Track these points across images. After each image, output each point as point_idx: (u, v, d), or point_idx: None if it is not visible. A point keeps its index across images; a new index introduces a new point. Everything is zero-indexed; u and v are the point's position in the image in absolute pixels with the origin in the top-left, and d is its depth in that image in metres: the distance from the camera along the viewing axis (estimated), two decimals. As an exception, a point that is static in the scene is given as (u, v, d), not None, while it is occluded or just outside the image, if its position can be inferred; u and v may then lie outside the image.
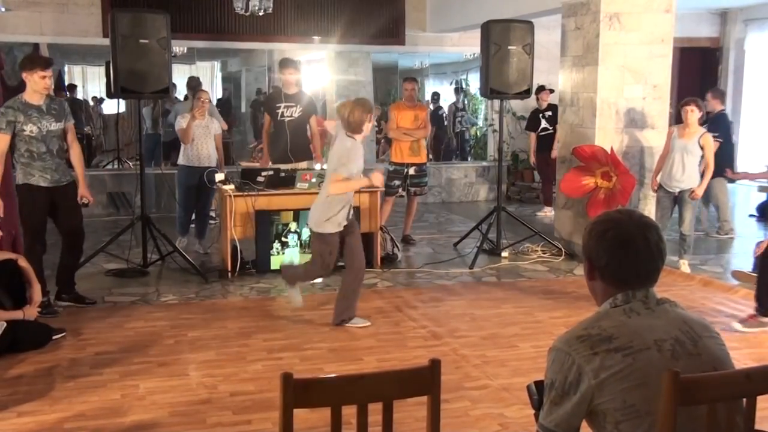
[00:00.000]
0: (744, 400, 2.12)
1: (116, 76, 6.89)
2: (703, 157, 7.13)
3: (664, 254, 2.18)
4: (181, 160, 8.05)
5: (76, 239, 6.12)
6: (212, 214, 8.79)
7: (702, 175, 7.16)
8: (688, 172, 7.08)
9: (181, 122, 7.92)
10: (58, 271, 6.18)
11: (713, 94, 8.88)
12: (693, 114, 7.02)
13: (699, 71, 13.42)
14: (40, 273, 5.76)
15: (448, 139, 15.80)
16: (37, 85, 5.70)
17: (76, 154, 6.04)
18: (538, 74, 8.49)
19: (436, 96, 16.34)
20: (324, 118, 11.64)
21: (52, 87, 5.95)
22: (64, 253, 6.13)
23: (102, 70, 8.06)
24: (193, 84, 10.67)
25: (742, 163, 11.24)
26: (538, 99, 10.53)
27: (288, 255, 7.09)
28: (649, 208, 7.64)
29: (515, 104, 11.84)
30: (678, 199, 7.20)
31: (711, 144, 7.12)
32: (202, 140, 7.89)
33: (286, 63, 8.03)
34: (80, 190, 6.01)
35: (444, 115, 15.98)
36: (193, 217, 8.31)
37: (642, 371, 2.01)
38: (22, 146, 5.74)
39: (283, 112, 7.77)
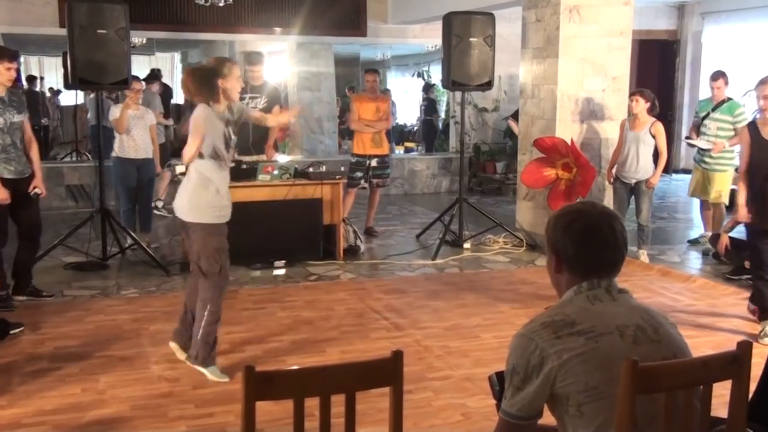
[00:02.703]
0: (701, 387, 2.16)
1: (74, 66, 6.78)
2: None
3: (628, 243, 2.23)
4: (115, 152, 7.80)
5: (34, 232, 6.07)
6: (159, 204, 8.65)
7: (656, 164, 7.27)
8: (643, 163, 7.19)
9: (114, 111, 7.75)
10: (14, 265, 6.08)
11: None
12: (638, 104, 7.12)
13: (657, 63, 13.61)
14: None
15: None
16: (1, 77, 5.68)
17: (34, 147, 6.00)
18: (499, 66, 8.53)
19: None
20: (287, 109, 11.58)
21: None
22: (22, 246, 6.05)
23: (59, 60, 7.94)
24: (155, 76, 10.57)
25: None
26: None
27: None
28: (608, 200, 7.73)
29: (477, 96, 11.91)
30: (634, 190, 7.31)
31: (662, 132, 7.24)
32: (138, 131, 7.75)
33: (256, 60, 8.02)
34: (35, 181, 5.93)
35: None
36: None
37: (604, 355, 2.03)
38: None
39: (248, 103, 7.73)
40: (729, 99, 7.73)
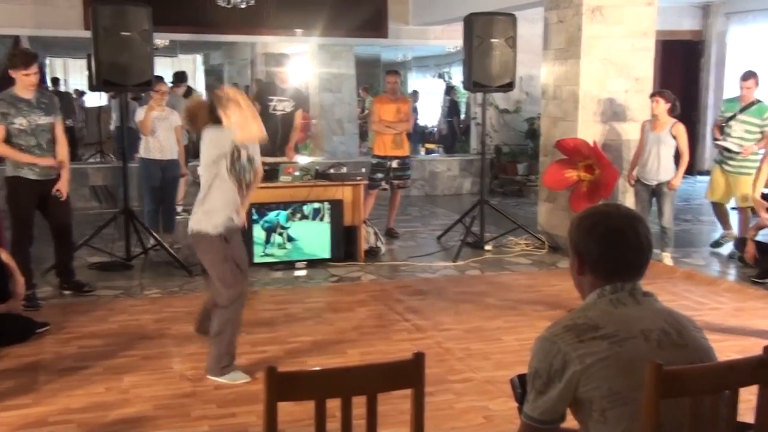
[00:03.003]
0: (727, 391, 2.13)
1: (98, 68, 6.85)
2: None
3: (652, 246, 2.20)
4: (141, 153, 7.89)
5: (63, 232, 6.20)
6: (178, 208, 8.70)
7: (677, 165, 7.20)
8: (664, 164, 7.10)
9: (139, 113, 7.82)
10: (56, 266, 6.36)
11: None
12: (658, 105, 7.04)
13: (681, 64, 13.48)
14: (25, 266, 5.76)
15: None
16: (23, 82, 5.78)
17: (62, 149, 6.04)
18: (520, 67, 8.50)
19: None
20: (308, 112, 11.62)
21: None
22: (56, 245, 6.23)
23: (84, 62, 8.01)
24: (182, 78, 10.65)
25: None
26: None
27: None
28: (630, 201, 7.67)
29: (498, 97, 11.87)
30: (656, 192, 7.22)
31: (683, 133, 7.15)
32: (163, 132, 7.80)
33: (282, 62, 8.26)
34: (59, 182, 5.99)
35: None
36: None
37: (628, 359, 2.01)
38: (12, 139, 5.76)
39: (275, 106, 7.78)
40: (758, 101, 7.62)
